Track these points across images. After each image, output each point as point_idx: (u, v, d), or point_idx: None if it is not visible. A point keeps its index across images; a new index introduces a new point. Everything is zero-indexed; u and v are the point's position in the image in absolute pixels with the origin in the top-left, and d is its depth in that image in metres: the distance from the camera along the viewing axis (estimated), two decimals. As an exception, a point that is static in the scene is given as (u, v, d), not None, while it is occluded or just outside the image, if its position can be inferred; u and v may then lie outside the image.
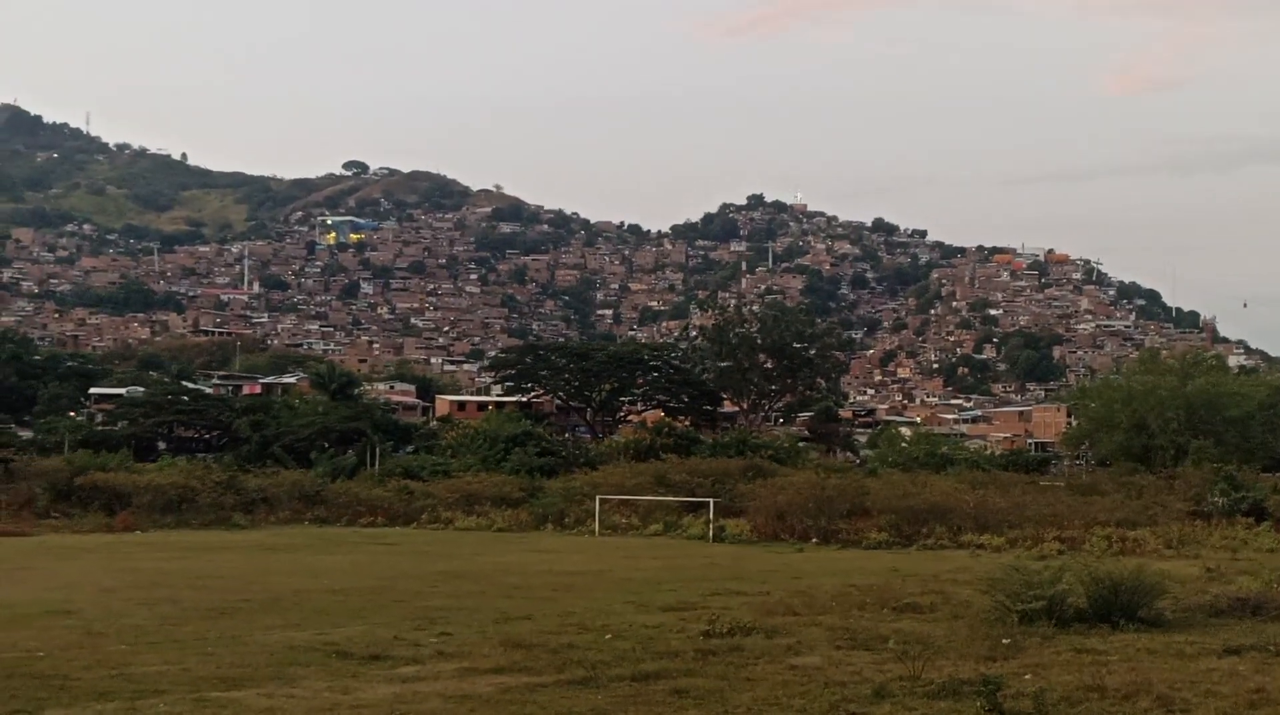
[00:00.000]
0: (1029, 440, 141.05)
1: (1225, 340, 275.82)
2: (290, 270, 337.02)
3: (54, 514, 61.35)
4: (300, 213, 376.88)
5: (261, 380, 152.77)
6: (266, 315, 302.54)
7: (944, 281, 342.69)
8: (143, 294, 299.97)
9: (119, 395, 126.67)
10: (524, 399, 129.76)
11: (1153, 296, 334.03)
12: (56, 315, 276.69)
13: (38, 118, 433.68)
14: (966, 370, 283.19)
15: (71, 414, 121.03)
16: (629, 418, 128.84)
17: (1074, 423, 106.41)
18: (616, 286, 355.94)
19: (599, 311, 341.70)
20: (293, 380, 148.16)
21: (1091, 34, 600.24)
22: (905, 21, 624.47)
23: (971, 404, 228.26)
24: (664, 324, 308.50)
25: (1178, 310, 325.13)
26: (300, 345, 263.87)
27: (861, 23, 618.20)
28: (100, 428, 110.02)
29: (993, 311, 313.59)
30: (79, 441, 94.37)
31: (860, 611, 25.84)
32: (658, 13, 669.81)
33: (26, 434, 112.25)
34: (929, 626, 23.40)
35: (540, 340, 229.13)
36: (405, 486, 70.21)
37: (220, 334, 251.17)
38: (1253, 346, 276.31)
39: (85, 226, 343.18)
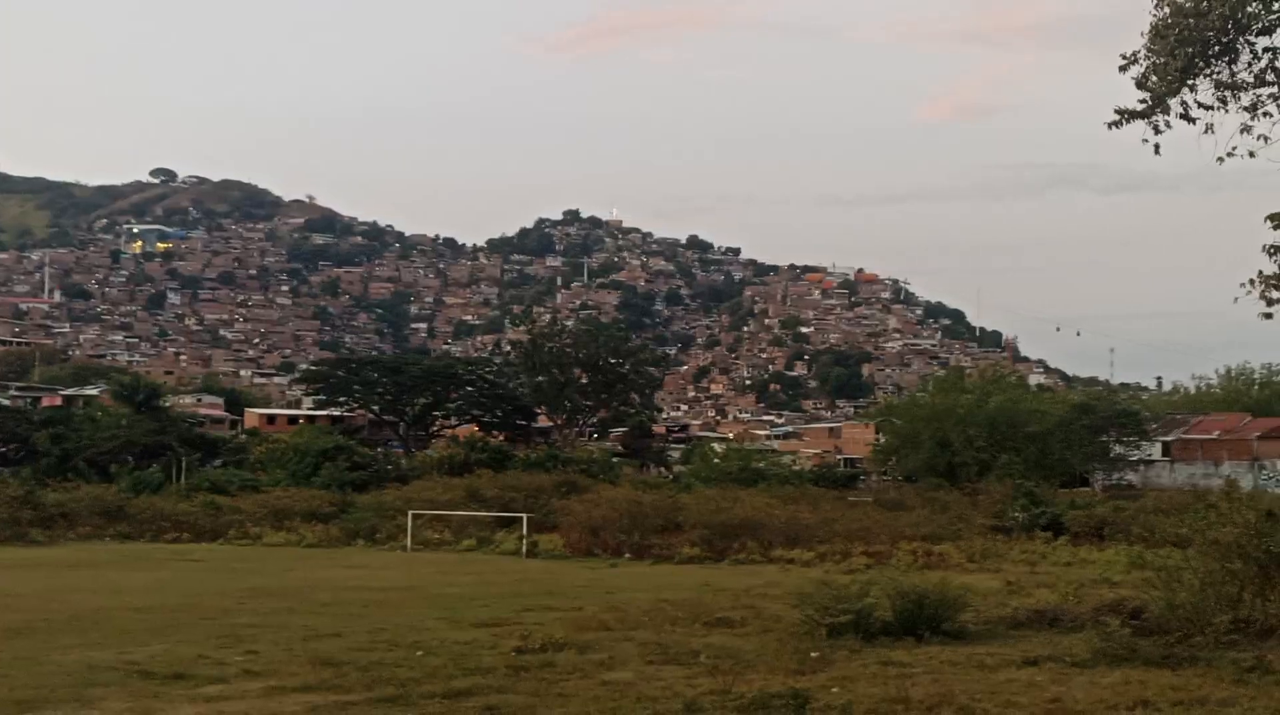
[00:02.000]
0: (838, 456, 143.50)
1: (1026, 359, 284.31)
2: (94, 279, 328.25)
3: None
4: (105, 220, 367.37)
5: (62, 392, 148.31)
6: (68, 325, 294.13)
7: (757, 299, 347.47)
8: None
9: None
10: (336, 413, 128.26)
11: (958, 316, 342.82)
12: None
13: None
14: (778, 387, 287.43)
15: None
16: (442, 432, 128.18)
17: (881, 439, 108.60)
18: (431, 300, 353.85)
19: (413, 325, 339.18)
20: (95, 392, 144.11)
21: (909, 62, 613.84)
22: (728, 43, 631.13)
23: (783, 420, 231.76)
24: (478, 338, 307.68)
25: (981, 330, 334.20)
26: (104, 356, 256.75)
27: (685, 43, 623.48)
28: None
29: (804, 329, 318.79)
30: None
31: (672, 626, 25.97)
32: (479, 26, 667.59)
33: None
34: (740, 641, 23.63)
35: (353, 353, 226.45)
36: (212, 501, 68.84)
37: (19, 344, 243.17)
38: (1051, 366, 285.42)
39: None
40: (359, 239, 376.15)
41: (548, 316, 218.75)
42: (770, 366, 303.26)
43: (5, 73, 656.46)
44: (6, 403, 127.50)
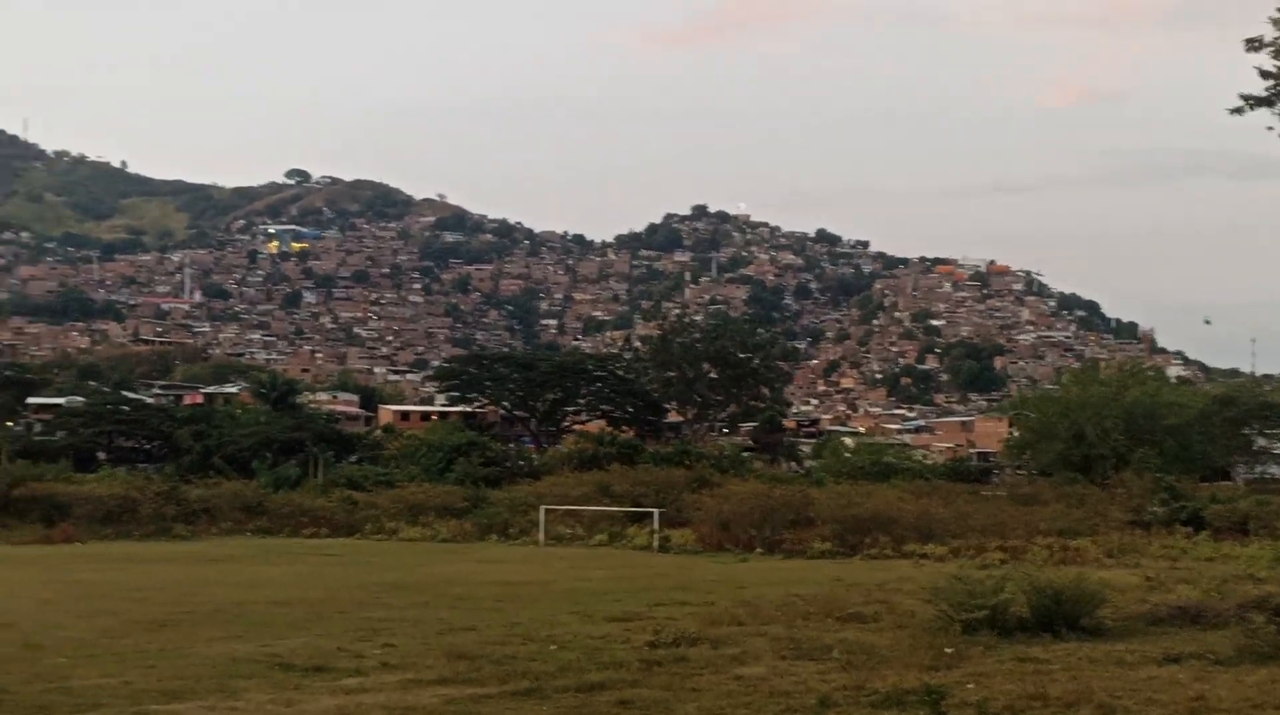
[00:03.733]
0: (971, 450, 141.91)
1: (1163, 351, 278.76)
2: (232, 279, 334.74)
3: (-10, 526, 60.63)
4: (242, 221, 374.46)
5: (203, 390, 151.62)
6: (208, 324, 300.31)
7: (887, 292, 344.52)
8: (82, 303, 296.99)
9: (58, 405, 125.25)
10: (468, 409, 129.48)
11: (1092, 307, 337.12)
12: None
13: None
14: (909, 380, 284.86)
15: (9, 424, 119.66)
16: (573, 428, 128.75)
17: (1015, 433, 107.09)
18: (560, 296, 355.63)
19: (543, 321, 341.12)
20: (235, 390, 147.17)
21: (1032, 46, 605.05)
22: (848, 33, 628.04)
23: (914, 414, 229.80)
24: (608, 334, 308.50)
25: (1117, 321, 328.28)
26: (242, 355, 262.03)
27: (805, 34, 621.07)
28: (38, 438, 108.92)
29: (935, 322, 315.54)
30: (17, 452, 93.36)
31: (805, 621, 25.88)
32: (604, 21, 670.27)
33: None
34: (873, 636, 23.47)
35: (484, 350, 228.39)
36: (349, 497, 69.83)
37: (161, 343, 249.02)
38: (1190, 357, 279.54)
39: (23, 234, 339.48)
40: (489, 236, 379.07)
41: (676, 311, 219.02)
42: (901, 360, 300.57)
43: (145, 79, 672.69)
44: (150, 401, 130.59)
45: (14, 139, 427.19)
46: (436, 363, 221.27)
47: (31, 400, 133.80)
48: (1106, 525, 53.02)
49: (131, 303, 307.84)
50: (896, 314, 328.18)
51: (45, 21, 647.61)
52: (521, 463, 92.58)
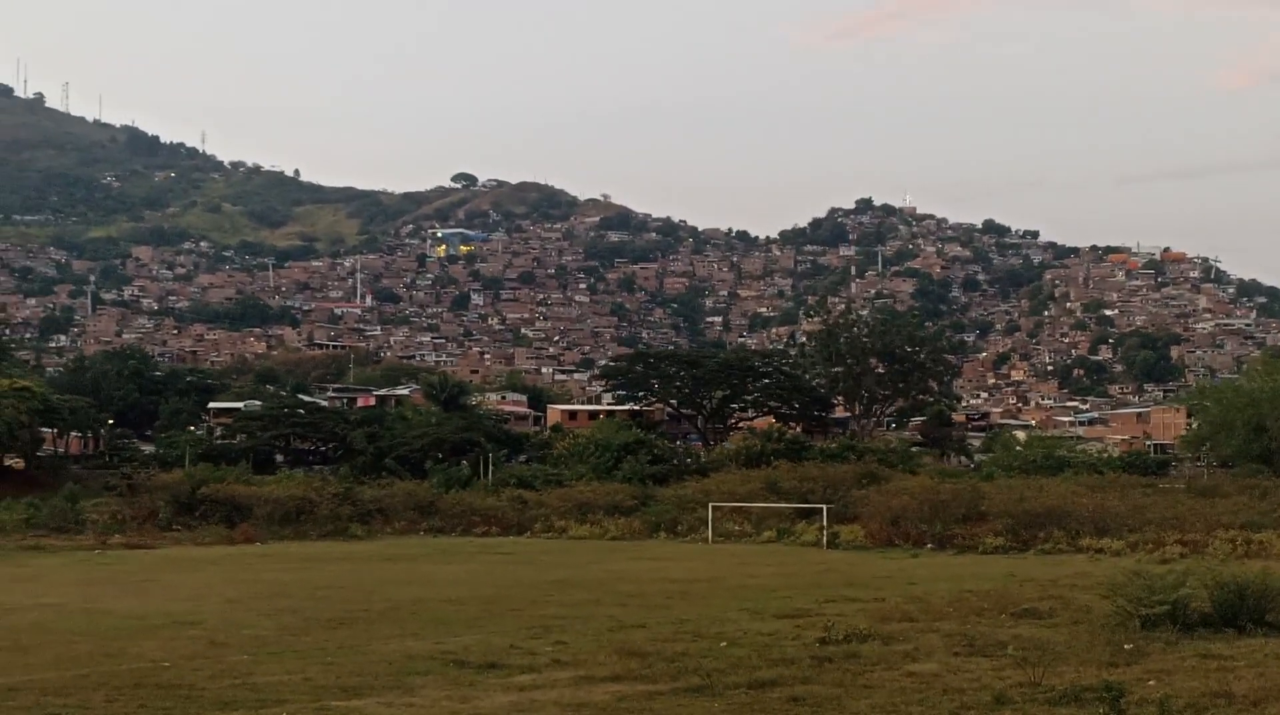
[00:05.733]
0: (1148, 442, 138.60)
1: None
2: (402, 283, 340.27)
3: (176, 527, 62.53)
4: (411, 226, 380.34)
5: (375, 392, 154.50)
6: (379, 328, 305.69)
7: (1057, 282, 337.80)
8: (258, 309, 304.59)
9: (237, 409, 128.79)
10: (635, 407, 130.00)
11: (1274, 294, 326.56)
12: (175, 331, 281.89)
13: (155, 138, 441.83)
14: (1082, 372, 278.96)
15: (191, 428, 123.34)
16: (740, 425, 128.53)
17: (1193, 424, 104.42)
18: (725, 293, 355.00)
19: (708, 319, 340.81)
20: (406, 392, 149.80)
21: (1205, 26, 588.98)
22: (1012, 20, 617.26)
23: (1088, 406, 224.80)
24: (773, 330, 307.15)
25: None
26: (413, 357, 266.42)
27: (968, 22, 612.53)
28: (219, 442, 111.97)
29: (1108, 312, 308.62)
30: (199, 455, 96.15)
31: (978, 617, 25.57)
32: (763, 17, 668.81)
33: (148, 449, 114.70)
34: (1048, 632, 23.10)
35: (650, 348, 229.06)
36: (518, 496, 70.65)
37: (334, 347, 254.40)
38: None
39: (202, 243, 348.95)
40: (653, 235, 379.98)
41: (842, 306, 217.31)
42: (1073, 351, 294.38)
43: (316, 90, 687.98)
44: (325, 404, 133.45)
45: (193, 151, 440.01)
46: (603, 362, 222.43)
47: (212, 405, 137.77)
48: (1291, 518, 51.41)
49: (305, 308, 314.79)
50: (1068, 304, 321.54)
51: (221, 38, 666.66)
52: (689, 460, 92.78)
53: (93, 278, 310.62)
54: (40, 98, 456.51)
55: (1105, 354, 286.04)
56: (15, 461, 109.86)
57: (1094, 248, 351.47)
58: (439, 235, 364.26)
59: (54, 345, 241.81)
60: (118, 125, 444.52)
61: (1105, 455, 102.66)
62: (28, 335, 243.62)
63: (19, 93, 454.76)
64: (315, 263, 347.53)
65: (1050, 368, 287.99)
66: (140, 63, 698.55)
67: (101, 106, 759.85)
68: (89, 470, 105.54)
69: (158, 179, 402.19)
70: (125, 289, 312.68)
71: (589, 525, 61.86)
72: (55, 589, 36.19)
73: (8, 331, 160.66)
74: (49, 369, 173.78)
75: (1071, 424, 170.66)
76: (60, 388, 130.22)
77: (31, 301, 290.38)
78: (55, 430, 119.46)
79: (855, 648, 21.27)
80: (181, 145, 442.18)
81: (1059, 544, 47.18)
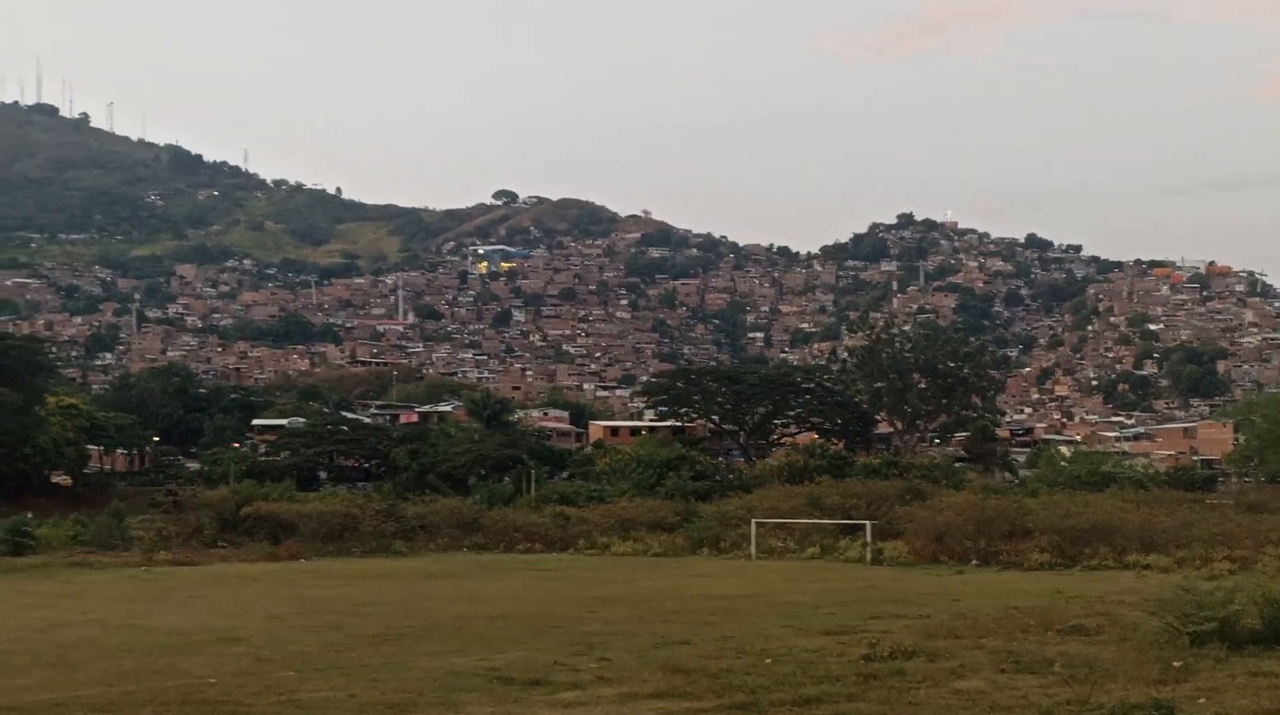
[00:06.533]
0: (1194, 458, 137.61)
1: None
2: (443, 300, 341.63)
3: (221, 543, 62.84)
4: (452, 243, 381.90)
5: (418, 409, 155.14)
6: (421, 345, 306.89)
7: (1101, 297, 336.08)
8: (301, 326, 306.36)
9: (281, 426, 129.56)
10: (677, 423, 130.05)
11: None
12: (219, 349, 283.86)
13: (198, 157, 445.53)
14: (1127, 387, 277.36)
15: (235, 445, 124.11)
16: (782, 441, 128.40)
17: (1241, 439, 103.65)
18: (766, 309, 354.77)
19: (749, 334, 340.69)
20: (448, 408, 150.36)
21: (1248, 37, 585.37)
22: (1051, 32, 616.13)
23: (1133, 421, 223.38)
24: (815, 346, 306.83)
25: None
26: (455, 373, 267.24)
27: (1006, 35, 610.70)
28: (263, 458, 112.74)
29: (1152, 326, 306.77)
30: (243, 472, 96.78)
31: (1024, 634, 25.39)
32: (801, 30, 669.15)
33: (193, 466, 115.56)
34: (1096, 649, 22.91)
35: (692, 364, 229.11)
36: (561, 512, 70.67)
37: (377, 364, 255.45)
38: None
39: (245, 261, 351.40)
40: (694, 251, 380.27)
41: (884, 322, 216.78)
42: (1117, 366, 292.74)
43: (358, 109, 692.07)
44: (368, 421, 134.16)
45: (236, 170, 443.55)
46: (644, 378, 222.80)
47: (256, 422, 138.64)
48: (1342, 534, 50.84)
49: (348, 325, 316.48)
50: (1112, 319, 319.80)
51: (261, 57, 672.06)
52: (731, 476, 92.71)
53: (138, 296, 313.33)
54: (85, 118, 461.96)
55: (1150, 369, 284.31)
56: (63, 478, 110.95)
57: (1138, 261, 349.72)
58: (480, 252, 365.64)
59: (100, 363, 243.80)
60: (161, 144, 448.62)
61: (1151, 471, 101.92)
62: (74, 353, 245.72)
63: (64, 113, 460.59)
64: (358, 280, 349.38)
65: (1095, 383, 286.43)
66: (183, 82, 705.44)
67: (145, 126, 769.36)
68: (135, 487, 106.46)
69: (201, 197, 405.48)
70: (170, 307, 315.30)
71: (631, 541, 61.80)
72: (102, 605, 36.43)
73: (54, 350, 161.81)
74: (95, 387, 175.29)
75: (1117, 439, 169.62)
76: (106, 405, 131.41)
77: (78, 319, 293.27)
78: (102, 447, 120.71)
79: (901, 664, 21.15)
80: (224, 164, 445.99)
81: (1105, 560, 46.87)
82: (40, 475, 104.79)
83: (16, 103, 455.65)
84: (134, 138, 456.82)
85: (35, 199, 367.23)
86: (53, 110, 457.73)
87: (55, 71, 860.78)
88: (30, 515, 73.77)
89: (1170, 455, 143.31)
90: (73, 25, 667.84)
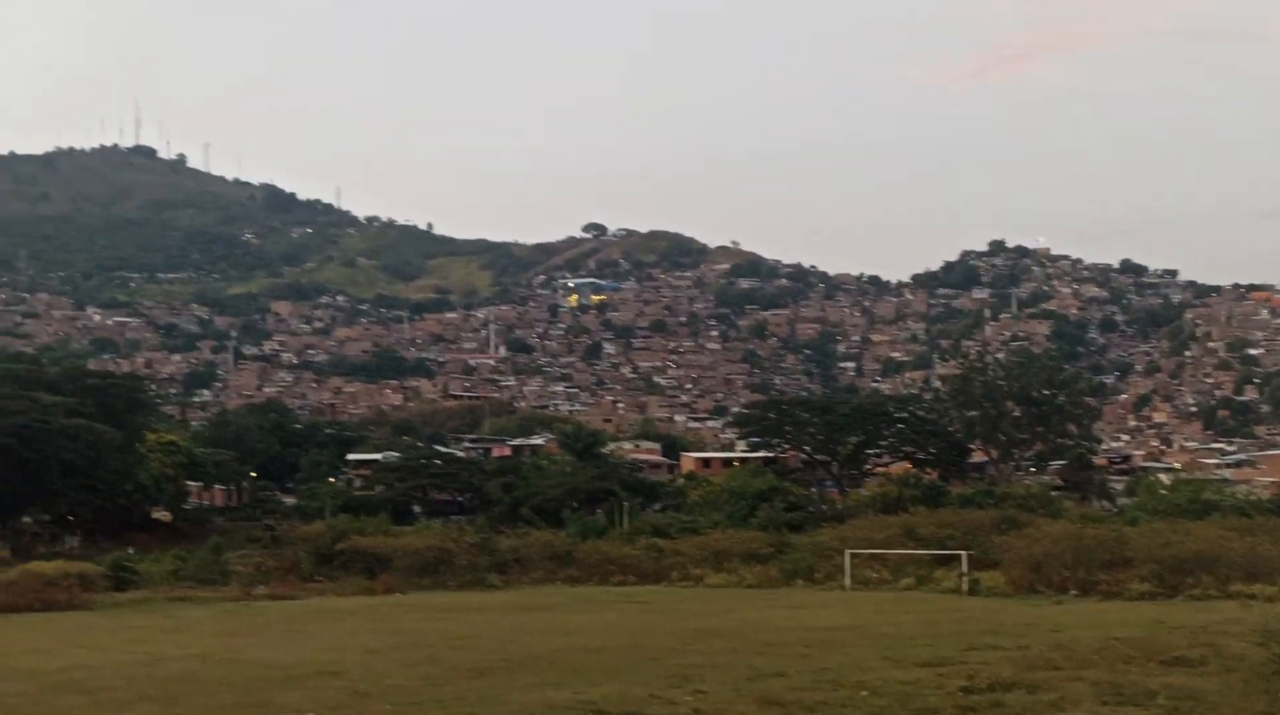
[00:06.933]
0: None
1: None
2: (534, 333, 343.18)
3: (318, 577, 63.46)
4: (542, 276, 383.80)
5: (510, 442, 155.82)
6: (513, 378, 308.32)
7: (1198, 322, 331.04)
8: (394, 361, 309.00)
9: (375, 460, 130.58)
10: (769, 454, 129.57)
11: None
12: (314, 384, 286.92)
13: (292, 195, 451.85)
14: (1227, 413, 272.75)
15: (331, 480, 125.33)
16: (875, 471, 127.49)
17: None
18: (858, 338, 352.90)
19: (841, 364, 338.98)
20: (541, 441, 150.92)
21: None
22: (1141, 56, 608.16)
23: (1234, 448, 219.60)
24: (907, 375, 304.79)
25: None
26: (546, 406, 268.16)
27: (1097, 58, 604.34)
28: (358, 493, 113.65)
29: (1252, 351, 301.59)
30: (339, 507, 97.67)
31: (1126, 665, 25.02)
32: (888, 59, 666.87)
33: (290, 500, 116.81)
34: (1200, 681, 22.52)
35: (783, 395, 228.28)
36: (654, 544, 70.63)
37: (469, 398, 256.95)
38: None
39: (339, 298, 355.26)
40: (784, 281, 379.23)
41: (976, 350, 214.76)
42: (1217, 392, 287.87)
43: (449, 144, 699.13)
44: (461, 454, 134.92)
45: (329, 207, 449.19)
46: (736, 409, 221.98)
47: (351, 456, 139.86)
48: None
49: (440, 360, 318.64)
50: (1210, 344, 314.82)
51: (353, 98, 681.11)
52: (824, 507, 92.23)
53: (234, 333, 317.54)
54: (182, 159, 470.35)
55: (1251, 394, 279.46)
56: (162, 514, 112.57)
57: (1235, 286, 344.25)
58: (570, 285, 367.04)
59: (198, 400, 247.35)
60: (256, 184, 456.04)
61: (1254, 498, 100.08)
62: (173, 390, 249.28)
63: (162, 154, 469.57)
64: (449, 314, 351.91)
65: (1194, 409, 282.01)
66: (277, 122, 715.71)
67: (240, 166, 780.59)
68: (233, 522, 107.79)
69: (295, 235, 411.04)
70: (265, 344, 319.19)
71: (725, 573, 61.65)
72: (201, 640, 36.89)
73: (154, 387, 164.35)
74: (193, 423, 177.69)
75: (1217, 466, 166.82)
76: (204, 442, 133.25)
77: (176, 357, 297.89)
78: (200, 483, 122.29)
79: (1000, 697, 20.91)
80: (317, 202, 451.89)
81: (1208, 590, 46.10)
82: (141, 511, 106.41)
83: (116, 145, 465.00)
84: (229, 178, 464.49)
85: (135, 239, 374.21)
86: (151, 152, 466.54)
87: (153, 115, 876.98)
88: (132, 551, 75.04)
89: (1274, 482, 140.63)
90: (169, 69, 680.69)
